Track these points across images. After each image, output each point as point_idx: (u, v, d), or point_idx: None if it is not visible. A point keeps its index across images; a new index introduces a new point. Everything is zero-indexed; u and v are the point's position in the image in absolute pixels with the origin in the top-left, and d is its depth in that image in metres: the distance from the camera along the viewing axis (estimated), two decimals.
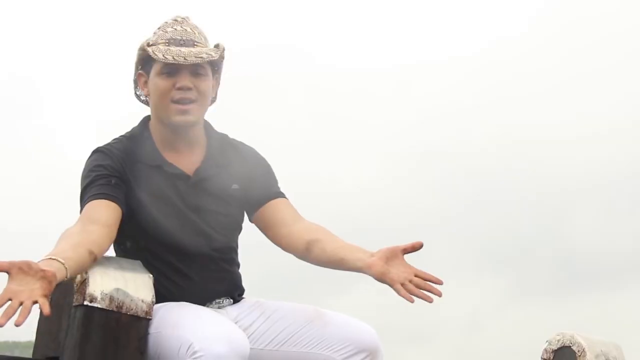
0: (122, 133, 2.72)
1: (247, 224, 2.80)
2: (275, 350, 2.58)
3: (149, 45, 2.62)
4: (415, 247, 2.48)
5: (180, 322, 2.38)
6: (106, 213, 2.48)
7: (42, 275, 2.11)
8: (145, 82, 2.67)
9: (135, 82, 2.74)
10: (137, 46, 2.67)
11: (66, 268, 2.22)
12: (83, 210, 2.50)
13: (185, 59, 2.57)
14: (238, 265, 2.76)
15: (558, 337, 3.14)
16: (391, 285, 2.44)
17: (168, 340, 2.36)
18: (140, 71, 2.68)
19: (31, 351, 2.46)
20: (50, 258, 2.22)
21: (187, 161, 2.67)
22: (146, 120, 2.73)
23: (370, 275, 2.49)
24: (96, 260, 2.38)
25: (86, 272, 2.32)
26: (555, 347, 3.14)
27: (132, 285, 2.38)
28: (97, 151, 2.62)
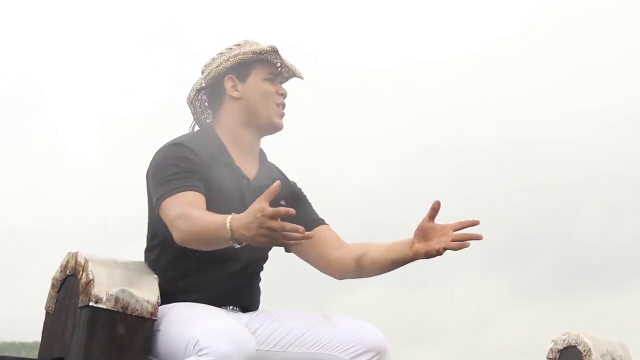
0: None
1: None
2: (282, 352, 2.59)
3: (254, 52, 2.78)
4: (435, 209, 2.56)
5: (189, 321, 2.39)
6: (203, 207, 2.52)
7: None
8: (233, 86, 2.79)
9: (207, 87, 2.82)
10: (229, 52, 2.81)
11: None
12: (184, 195, 2.51)
13: (296, 71, 2.86)
14: (260, 279, 2.79)
15: (564, 337, 3.14)
16: (440, 255, 2.55)
17: (176, 338, 2.38)
18: (230, 75, 2.79)
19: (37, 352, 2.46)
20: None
21: (247, 167, 2.76)
22: (210, 125, 2.83)
23: (421, 259, 2.60)
24: None
25: (92, 273, 2.33)
26: (561, 347, 3.14)
27: (137, 286, 2.39)
28: (177, 144, 2.65)
